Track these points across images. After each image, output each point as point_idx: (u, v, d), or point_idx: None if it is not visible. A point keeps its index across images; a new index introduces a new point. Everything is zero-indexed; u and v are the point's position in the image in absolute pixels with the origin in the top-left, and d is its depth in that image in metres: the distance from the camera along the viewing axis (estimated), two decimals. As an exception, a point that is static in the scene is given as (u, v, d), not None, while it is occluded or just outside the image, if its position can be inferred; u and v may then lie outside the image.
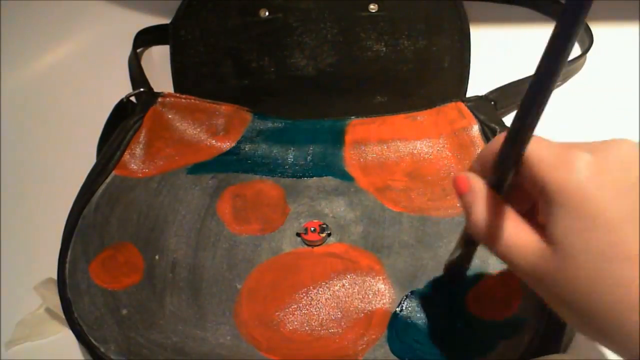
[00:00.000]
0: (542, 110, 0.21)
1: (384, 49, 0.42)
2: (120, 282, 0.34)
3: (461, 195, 0.25)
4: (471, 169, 0.26)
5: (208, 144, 0.40)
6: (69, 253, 0.34)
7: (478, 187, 0.24)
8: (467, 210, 0.25)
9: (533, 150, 0.22)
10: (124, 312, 0.33)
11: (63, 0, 0.55)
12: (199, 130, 0.40)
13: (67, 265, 0.34)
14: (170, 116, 0.40)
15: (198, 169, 0.38)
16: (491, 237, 0.24)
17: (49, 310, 0.36)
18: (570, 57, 0.47)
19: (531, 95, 0.20)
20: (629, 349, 0.20)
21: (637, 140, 0.42)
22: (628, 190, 0.21)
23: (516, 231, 0.23)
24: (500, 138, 0.24)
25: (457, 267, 0.31)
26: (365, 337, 0.32)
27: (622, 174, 0.21)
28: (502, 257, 0.24)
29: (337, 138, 0.40)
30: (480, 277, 0.33)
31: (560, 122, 0.45)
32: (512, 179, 0.24)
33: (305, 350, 0.32)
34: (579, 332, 0.24)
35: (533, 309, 0.31)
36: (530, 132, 0.21)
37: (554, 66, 0.19)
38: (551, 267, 0.21)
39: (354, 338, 0.32)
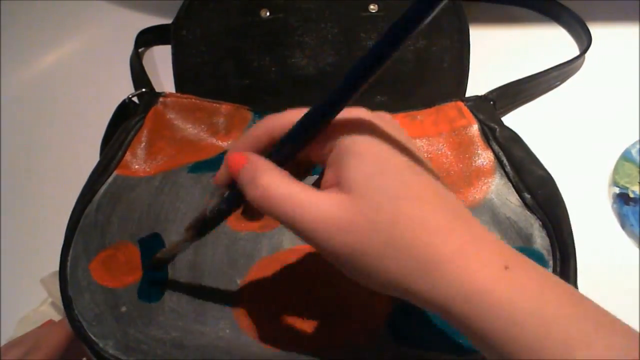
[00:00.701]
0: (358, 91, 0.22)
1: (384, 49, 0.42)
2: (120, 280, 0.34)
3: (239, 170, 0.24)
4: (234, 149, 0.26)
5: (209, 142, 0.40)
6: (71, 251, 0.34)
7: (257, 159, 0.24)
8: (249, 184, 0.23)
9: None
10: (123, 309, 0.33)
11: (64, 0, 0.55)
12: (200, 129, 0.40)
13: (68, 263, 0.34)
14: (171, 116, 0.40)
15: (199, 167, 0.39)
16: (280, 202, 0.22)
17: (54, 305, 0.37)
18: (569, 57, 0.48)
19: (353, 76, 0.21)
20: (432, 295, 0.21)
21: (637, 140, 0.42)
22: (408, 141, 0.24)
23: (305, 189, 0.22)
24: (275, 118, 0.25)
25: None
26: (366, 329, 0.32)
27: (397, 130, 0.24)
28: (295, 218, 0.22)
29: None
30: None
31: (559, 122, 0.45)
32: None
33: (305, 341, 0.32)
34: (394, 294, 0.22)
35: None
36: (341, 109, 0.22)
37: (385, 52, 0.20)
38: (352, 213, 0.21)
39: (354, 330, 0.32)
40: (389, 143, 0.22)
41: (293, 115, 0.24)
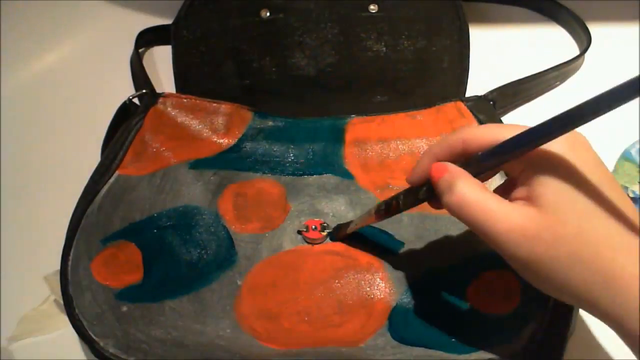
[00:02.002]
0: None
1: (384, 49, 0.42)
2: (121, 280, 0.34)
3: (440, 178, 0.26)
4: (431, 154, 0.28)
5: (209, 140, 0.40)
6: (72, 250, 0.34)
7: (457, 170, 0.26)
8: (446, 191, 0.26)
9: None
10: (124, 309, 0.33)
11: (64, 0, 0.55)
12: (200, 127, 0.40)
13: (69, 263, 0.34)
14: (171, 115, 0.40)
15: (200, 164, 0.39)
16: (475, 210, 0.25)
17: (56, 302, 0.37)
18: (569, 58, 0.48)
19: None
20: (618, 314, 0.22)
21: (637, 140, 0.42)
22: (599, 163, 0.25)
23: (499, 202, 0.25)
24: (470, 132, 0.26)
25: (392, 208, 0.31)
26: (366, 328, 0.32)
27: (590, 152, 0.25)
28: (486, 227, 0.24)
29: (337, 136, 0.40)
30: (480, 270, 0.33)
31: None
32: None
33: (305, 340, 0.32)
34: (568, 300, 0.25)
35: (534, 303, 0.31)
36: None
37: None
38: (540, 226, 0.23)
39: (355, 329, 0.32)
40: (580, 163, 0.24)
41: (491, 131, 0.26)
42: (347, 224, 0.35)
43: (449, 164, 0.27)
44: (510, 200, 0.25)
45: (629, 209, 0.24)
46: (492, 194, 0.25)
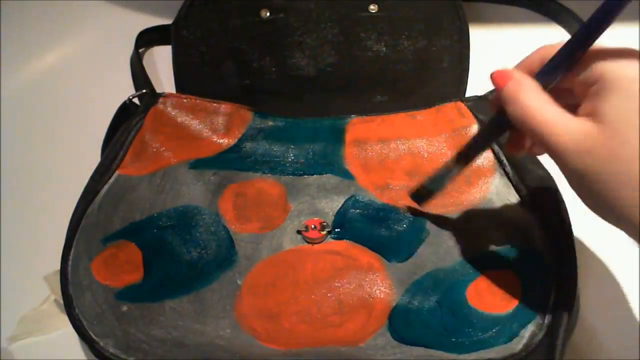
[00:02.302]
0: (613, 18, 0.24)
1: (384, 49, 0.42)
2: (121, 280, 0.34)
3: (504, 86, 0.26)
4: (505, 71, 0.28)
5: (209, 140, 0.40)
6: (72, 250, 0.34)
7: (522, 77, 0.26)
8: (510, 99, 0.26)
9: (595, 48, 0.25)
10: (124, 309, 0.33)
11: (64, 0, 0.55)
12: (200, 127, 0.40)
13: (69, 262, 0.34)
14: (171, 115, 0.40)
15: (200, 164, 0.39)
16: (538, 121, 0.25)
17: (56, 302, 0.37)
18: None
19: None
20: None
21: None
22: None
23: (561, 114, 0.25)
24: (549, 47, 0.27)
25: (474, 147, 0.32)
26: (366, 328, 0.32)
27: None
28: (547, 137, 0.25)
29: (337, 136, 0.40)
30: (480, 270, 0.33)
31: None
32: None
33: (305, 339, 0.32)
34: (614, 223, 0.25)
35: (534, 303, 0.31)
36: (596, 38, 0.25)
37: None
38: (598, 142, 0.23)
39: (355, 329, 0.32)
40: None
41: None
42: (425, 187, 0.34)
43: (515, 70, 0.27)
44: (577, 114, 0.25)
45: None
46: (557, 106, 0.25)
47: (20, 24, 0.54)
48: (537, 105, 0.25)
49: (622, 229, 0.25)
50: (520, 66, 0.28)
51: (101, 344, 0.32)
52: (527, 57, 0.28)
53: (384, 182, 0.38)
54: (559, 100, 0.26)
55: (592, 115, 0.24)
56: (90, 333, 0.32)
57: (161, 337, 0.32)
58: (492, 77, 0.27)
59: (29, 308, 0.37)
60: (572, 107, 0.26)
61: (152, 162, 0.38)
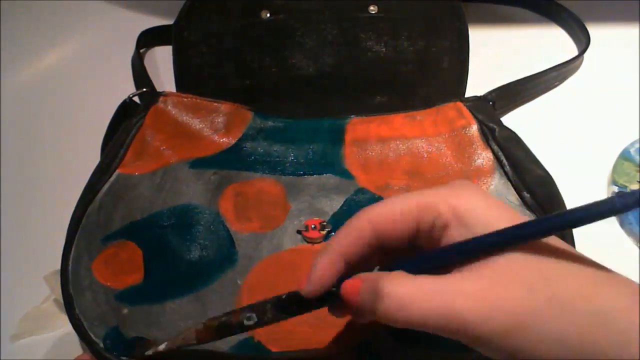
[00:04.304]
0: None
1: (384, 49, 0.43)
2: (122, 280, 0.34)
3: (358, 293, 0.22)
4: (331, 251, 0.24)
5: (209, 139, 0.40)
6: (73, 250, 0.34)
7: (372, 274, 0.22)
8: (373, 301, 0.21)
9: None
10: (125, 311, 0.33)
11: (66, 0, 0.55)
12: (200, 127, 0.40)
13: (70, 262, 0.34)
14: (172, 113, 0.40)
15: (200, 163, 0.39)
16: (431, 306, 0.21)
17: (56, 302, 0.37)
18: (568, 58, 0.48)
19: None
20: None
21: (636, 139, 0.42)
22: (505, 207, 0.23)
23: (442, 279, 0.21)
24: (380, 209, 0.23)
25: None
26: (366, 327, 0.32)
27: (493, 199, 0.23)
28: (446, 313, 0.20)
29: (337, 137, 0.40)
30: None
31: (558, 121, 0.45)
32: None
33: (305, 341, 0.32)
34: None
35: None
36: None
37: None
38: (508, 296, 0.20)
39: (355, 329, 0.32)
40: (494, 209, 0.22)
41: (396, 205, 0.23)
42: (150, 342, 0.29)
43: (360, 274, 0.23)
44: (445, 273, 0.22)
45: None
46: (426, 276, 0.21)
47: (20, 24, 0.54)
48: (410, 287, 0.21)
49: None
50: (348, 235, 0.24)
51: (101, 345, 0.32)
52: (350, 225, 0.23)
53: (384, 182, 0.38)
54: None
55: (469, 268, 0.21)
56: (90, 334, 0.32)
57: (161, 339, 0.32)
58: (342, 292, 0.23)
59: (29, 307, 0.37)
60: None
61: (153, 161, 0.38)
